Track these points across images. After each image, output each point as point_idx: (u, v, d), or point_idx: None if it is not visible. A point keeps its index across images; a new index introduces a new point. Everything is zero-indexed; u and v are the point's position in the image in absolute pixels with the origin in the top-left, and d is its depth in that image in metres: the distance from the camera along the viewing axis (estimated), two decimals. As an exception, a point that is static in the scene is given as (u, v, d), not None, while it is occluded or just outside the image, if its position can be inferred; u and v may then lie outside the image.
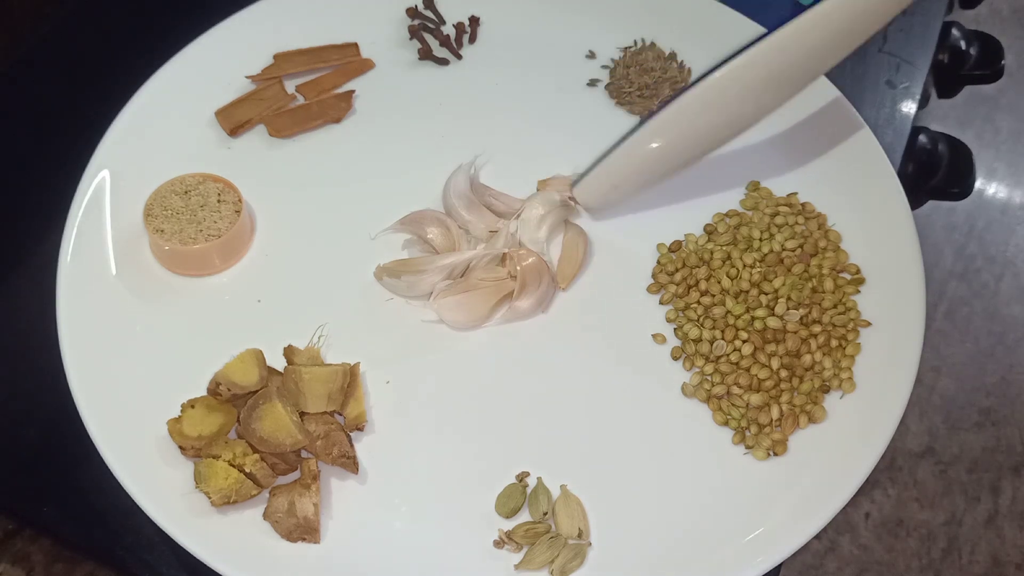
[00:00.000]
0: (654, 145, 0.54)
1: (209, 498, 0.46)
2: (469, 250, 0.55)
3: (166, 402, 0.49)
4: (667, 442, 0.51)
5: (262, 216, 0.58)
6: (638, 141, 0.54)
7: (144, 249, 0.55)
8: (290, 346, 0.51)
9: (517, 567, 0.46)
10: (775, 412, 0.51)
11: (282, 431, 0.46)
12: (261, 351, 0.50)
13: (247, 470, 0.46)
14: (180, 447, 0.48)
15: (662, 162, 0.55)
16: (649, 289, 0.56)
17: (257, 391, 0.48)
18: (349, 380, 0.50)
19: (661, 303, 0.56)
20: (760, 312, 0.54)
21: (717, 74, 0.52)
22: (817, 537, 0.48)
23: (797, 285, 0.55)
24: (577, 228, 0.57)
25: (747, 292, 0.55)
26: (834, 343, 0.53)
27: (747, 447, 0.50)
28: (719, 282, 0.55)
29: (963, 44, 0.77)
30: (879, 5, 0.51)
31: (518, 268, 0.54)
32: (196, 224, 0.54)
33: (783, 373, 0.52)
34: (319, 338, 0.52)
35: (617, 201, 0.57)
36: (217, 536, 0.46)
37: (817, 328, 0.53)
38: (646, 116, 0.54)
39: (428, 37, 0.67)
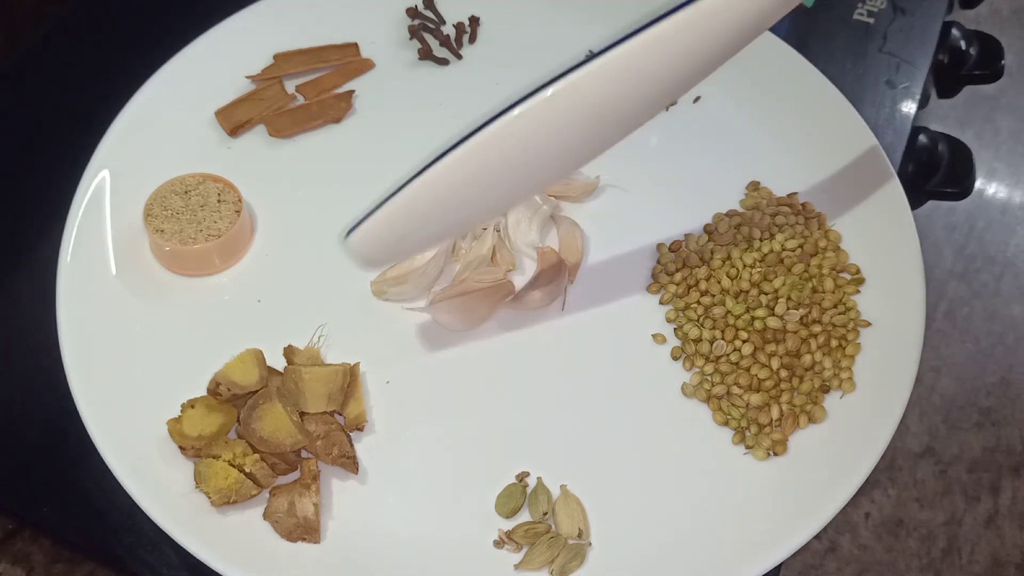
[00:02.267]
0: (450, 189, 0.42)
1: (209, 498, 0.46)
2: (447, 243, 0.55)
3: (166, 402, 0.49)
4: (667, 442, 0.51)
5: (262, 216, 0.58)
6: (432, 181, 0.42)
7: (144, 249, 0.55)
8: (290, 346, 0.51)
9: (517, 567, 0.46)
10: (775, 412, 0.51)
11: (282, 431, 0.46)
12: (261, 351, 0.50)
13: (247, 470, 0.46)
14: (180, 447, 0.48)
15: (469, 205, 0.44)
16: (649, 289, 0.56)
17: (257, 391, 0.48)
18: (349, 380, 0.50)
19: (661, 303, 0.56)
20: (760, 312, 0.54)
21: (531, 102, 0.42)
22: (817, 537, 0.48)
23: (797, 285, 0.55)
24: (569, 220, 0.58)
25: (747, 292, 0.55)
26: (834, 343, 0.53)
27: (747, 447, 0.50)
28: (719, 282, 0.55)
29: (963, 44, 0.77)
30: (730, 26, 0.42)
31: (537, 256, 0.55)
32: (196, 224, 0.54)
33: (783, 373, 0.52)
34: (319, 338, 0.52)
35: (402, 257, 0.46)
36: (217, 536, 0.46)
37: (817, 328, 0.53)
38: (438, 154, 0.42)
39: (428, 37, 0.67)
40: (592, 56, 0.41)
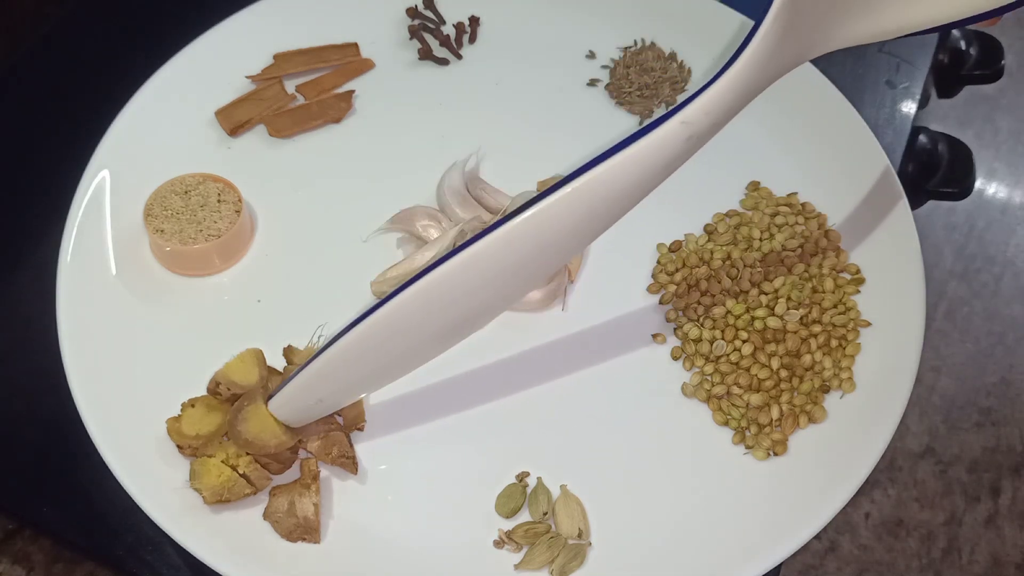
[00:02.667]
0: (367, 349, 0.43)
1: (202, 496, 0.46)
2: (439, 241, 0.54)
3: (166, 402, 0.49)
4: (667, 442, 0.51)
5: (262, 216, 0.58)
6: (353, 342, 0.43)
7: (144, 249, 0.55)
8: (290, 346, 0.51)
9: (517, 567, 0.46)
10: (775, 412, 0.51)
11: (266, 432, 0.46)
12: (261, 351, 0.50)
13: (240, 471, 0.46)
14: (178, 446, 0.48)
15: (382, 366, 0.45)
16: (649, 289, 0.56)
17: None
18: (349, 380, 0.50)
19: (661, 303, 0.56)
20: (760, 312, 0.54)
21: (432, 275, 0.42)
22: (817, 537, 0.48)
23: (797, 285, 0.55)
24: None
25: (747, 292, 0.55)
26: (834, 343, 0.53)
27: (747, 447, 0.50)
28: (719, 282, 0.55)
29: (963, 44, 0.77)
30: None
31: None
32: (196, 224, 0.54)
33: (783, 373, 0.52)
34: (319, 338, 0.52)
35: (325, 413, 0.47)
36: (217, 536, 0.46)
37: (817, 328, 0.53)
38: (351, 323, 0.43)
39: (428, 37, 0.67)
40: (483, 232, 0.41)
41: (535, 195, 0.41)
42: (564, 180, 0.40)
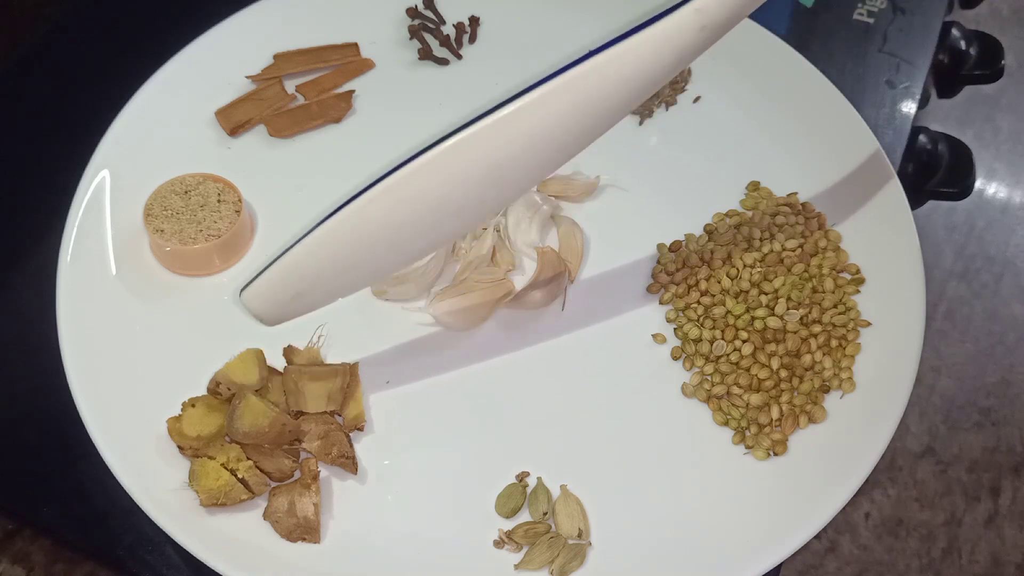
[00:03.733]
0: (356, 235, 0.41)
1: (198, 497, 0.46)
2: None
3: (166, 402, 0.49)
4: (667, 442, 0.51)
5: (262, 216, 0.58)
6: (331, 231, 0.41)
7: (144, 249, 0.55)
8: (290, 346, 0.51)
9: (517, 567, 0.46)
10: (775, 412, 0.51)
11: (259, 417, 0.46)
12: (261, 351, 0.50)
13: (240, 475, 0.46)
14: (179, 446, 0.48)
15: (368, 258, 0.42)
16: (649, 289, 0.56)
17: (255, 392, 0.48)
18: (348, 380, 0.50)
19: (661, 303, 0.56)
20: (760, 312, 0.54)
21: (427, 156, 0.41)
22: (817, 537, 0.48)
23: (797, 285, 0.55)
24: (569, 220, 0.58)
25: (747, 292, 0.55)
26: (834, 343, 0.53)
27: (747, 447, 0.50)
28: (719, 282, 0.55)
29: (963, 44, 0.77)
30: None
31: (537, 256, 0.55)
32: (196, 224, 0.54)
33: (783, 373, 0.52)
34: (319, 338, 0.52)
35: (301, 312, 0.44)
36: (217, 536, 0.46)
37: (817, 328, 0.53)
38: (334, 209, 0.41)
39: (428, 37, 0.67)
40: (495, 108, 0.40)
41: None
42: (568, 65, 0.38)
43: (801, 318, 0.54)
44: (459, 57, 0.66)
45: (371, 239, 0.41)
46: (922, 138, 0.70)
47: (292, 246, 0.42)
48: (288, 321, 0.45)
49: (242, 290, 0.44)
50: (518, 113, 0.39)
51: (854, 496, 0.48)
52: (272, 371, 0.50)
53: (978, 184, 0.93)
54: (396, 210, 0.41)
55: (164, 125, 0.61)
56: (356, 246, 0.41)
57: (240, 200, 0.55)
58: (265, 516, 0.46)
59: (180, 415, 0.48)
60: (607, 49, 0.38)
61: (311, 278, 0.42)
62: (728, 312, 0.54)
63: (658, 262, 0.57)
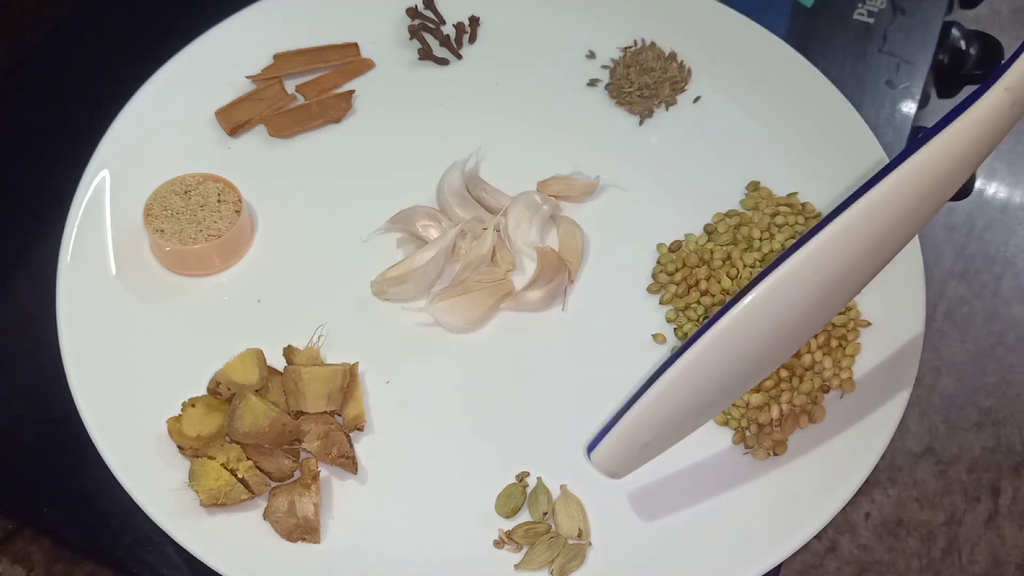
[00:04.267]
0: (698, 382, 0.41)
1: (198, 496, 0.46)
2: (439, 241, 0.54)
3: (166, 402, 0.49)
4: (667, 442, 0.51)
5: (262, 216, 0.58)
6: (674, 381, 0.41)
7: (144, 249, 0.55)
8: (290, 346, 0.51)
9: (517, 567, 0.46)
10: (775, 412, 0.51)
11: (260, 417, 0.46)
12: (261, 351, 0.50)
13: (240, 476, 0.46)
14: (179, 446, 0.48)
15: (710, 401, 0.43)
16: (649, 289, 0.56)
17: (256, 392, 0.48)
18: (348, 380, 0.50)
19: (661, 303, 0.56)
20: (760, 312, 0.54)
21: (768, 281, 0.41)
22: (817, 537, 0.48)
23: (797, 285, 0.54)
24: (569, 220, 0.58)
25: (747, 292, 0.55)
26: (834, 343, 0.53)
27: (747, 447, 0.50)
28: (719, 282, 0.55)
29: (963, 44, 0.77)
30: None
31: (537, 256, 0.55)
32: (196, 224, 0.54)
33: (783, 373, 0.52)
34: (319, 338, 0.52)
35: (648, 460, 0.45)
36: (217, 536, 0.46)
37: (817, 328, 0.53)
38: (678, 351, 0.41)
39: (428, 37, 0.67)
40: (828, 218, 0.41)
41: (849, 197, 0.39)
42: (891, 164, 0.40)
43: (801, 318, 0.54)
44: (459, 57, 0.66)
45: (715, 379, 0.42)
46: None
47: (635, 399, 0.42)
48: (635, 470, 0.45)
49: (588, 451, 0.44)
50: (866, 213, 0.40)
51: (854, 496, 0.48)
52: (272, 371, 0.50)
53: (978, 184, 0.94)
54: (738, 345, 0.41)
55: (164, 125, 0.61)
56: (702, 389, 0.42)
57: (240, 200, 0.55)
58: (265, 516, 0.46)
59: (180, 415, 0.48)
60: (932, 139, 0.40)
61: (658, 427, 0.43)
62: (728, 312, 0.54)
63: (658, 262, 0.57)
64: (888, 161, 0.60)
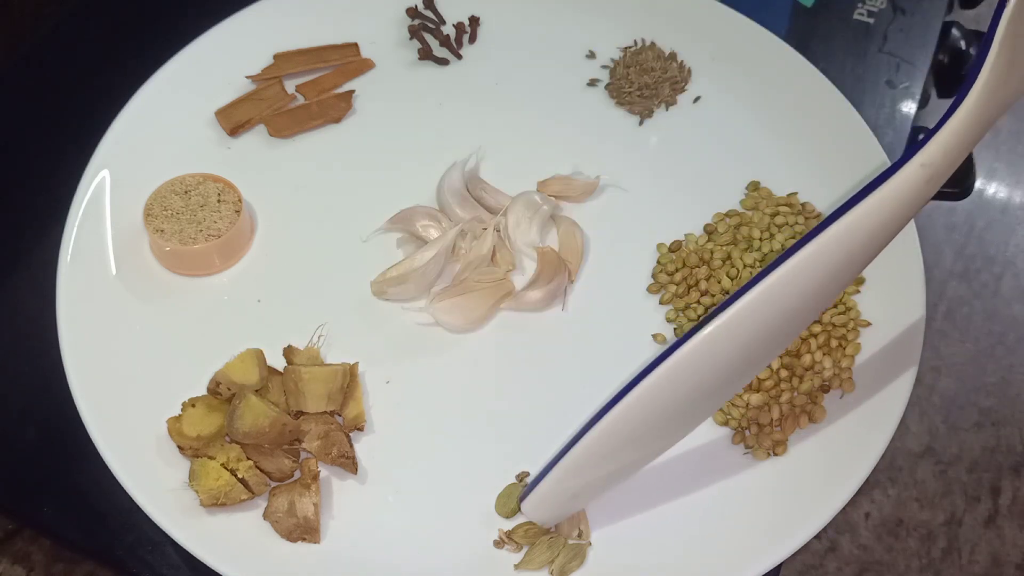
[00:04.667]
0: (620, 439, 0.42)
1: (198, 496, 0.46)
2: (439, 241, 0.54)
3: (166, 402, 0.49)
4: (667, 442, 0.51)
5: (262, 216, 0.58)
6: (598, 438, 0.42)
7: (144, 249, 0.55)
8: (290, 346, 0.51)
9: (517, 567, 0.46)
10: (775, 412, 0.51)
11: (260, 417, 0.46)
12: (261, 351, 0.50)
13: (240, 475, 0.46)
14: (179, 446, 0.48)
15: (639, 452, 0.44)
16: (649, 289, 0.56)
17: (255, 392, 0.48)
18: (348, 380, 0.50)
19: (661, 303, 0.56)
20: (760, 312, 0.54)
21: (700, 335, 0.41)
22: (817, 537, 0.48)
23: (797, 285, 0.54)
24: (569, 220, 0.58)
25: (747, 292, 0.55)
26: (834, 343, 0.53)
27: (747, 447, 0.50)
28: (719, 282, 0.55)
29: (963, 44, 0.77)
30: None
31: (537, 256, 0.55)
32: (196, 224, 0.54)
33: (783, 373, 0.52)
34: (319, 338, 0.52)
35: (577, 509, 0.47)
36: (217, 536, 0.46)
37: (817, 328, 0.53)
38: (605, 406, 0.42)
39: (428, 37, 0.67)
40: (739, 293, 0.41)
41: (770, 263, 0.40)
42: (804, 239, 0.40)
43: (801, 318, 0.54)
44: (459, 57, 0.66)
45: (649, 426, 0.42)
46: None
47: (564, 452, 0.43)
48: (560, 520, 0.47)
49: (521, 498, 0.46)
50: (771, 287, 0.40)
51: (854, 496, 0.48)
52: (272, 371, 0.50)
53: (978, 184, 0.94)
54: (672, 395, 0.41)
55: (164, 125, 0.61)
56: (624, 445, 0.43)
57: (240, 200, 0.55)
58: (265, 516, 0.46)
59: (180, 415, 0.48)
60: (845, 214, 0.40)
61: (585, 480, 0.44)
62: (728, 312, 0.54)
63: (658, 262, 0.57)
64: (888, 164, 0.60)
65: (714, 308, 0.41)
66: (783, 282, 0.40)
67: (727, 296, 0.54)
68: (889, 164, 0.60)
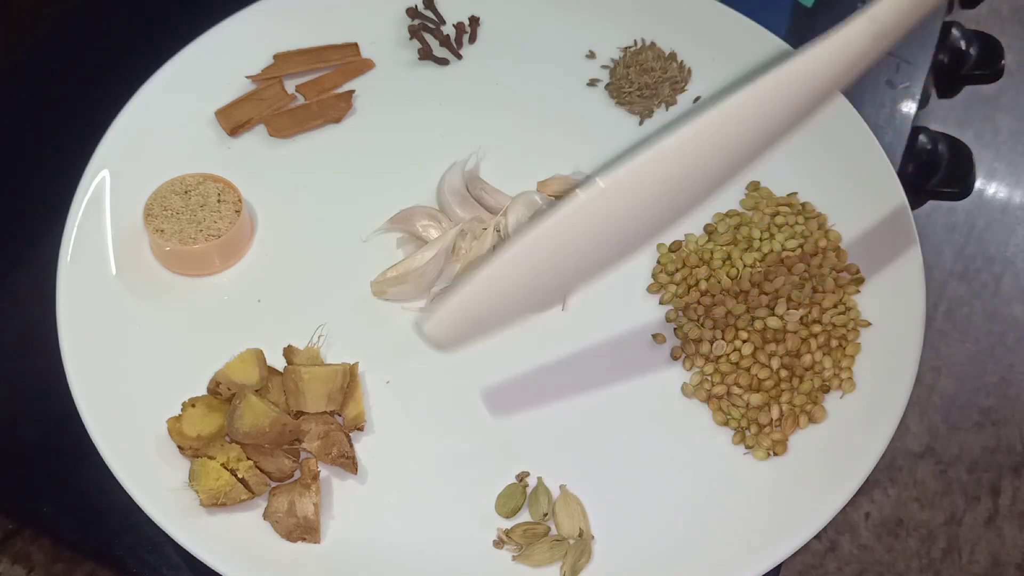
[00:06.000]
0: (533, 262, 0.43)
1: (198, 496, 0.46)
2: (439, 241, 0.54)
3: (166, 402, 0.49)
4: (667, 442, 0.51)
5: (262, 216, 0.58)
6: (503, 267, 0.43)
7: (144, 249, 0.55)
8: (290, 346, 0.51)
9: (515, 559, 0.46)
10: (775, 412, 0.51)
11: (260, 417, 0.46)
12: (261, 351, 0.50)
13: (240, 475, 0.46)
14: (179, 446, 0.48)
15: (535, 291, 0.44)
16: (649, 289, 0.56)
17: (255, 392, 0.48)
18: (348, 380, 0.50)
19: (661, 303, 0.56)
20: (760, 312, 0.54)
21: (607, 180, 0.42)
22: (817, 537, 0.48)
23: (797, 285, 0.55)
24: None
25: (747, 292, 0.55)
26: (834, 343, 0.53)
27: (747, 447, 0.50)
28: (719, 282, 0.55)
29: (963, 44, 0.77)
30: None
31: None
32: (196, 224, 0.54)
33: (783, 373, 0.52)
34: (319, 338, 0.52)
35: (480, 336, 0.46)
36: (217, 536, 0.46)
37: (817, 328, 0.53)
38: (521, 231, 0.42)
39: (428, 37, 0.67)
40: (650, 141, 0.41)
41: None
42: (755, 80, 0.40)
43: (801, 318, 0.54)
44: (459, 57, 0.66)
45: (546, 266, 0.43)
46: (922, 138, 0.70)
47: (473, 276, 0.43)
48: (461, 346, 0.47)
49: (424, 323, 0.46)
50: (708, 123, 0.40)
51: (854, 496, 0.48)
52: (272, 371, 0.50)
53: (978, 184, 0.94)
54: (566, 240, 0.42)
55: (164, 125, 0.61)
56: (534, 273, 0.43)
57: (240, 200, 0.55)
58: (265, 516, 0.46)
59: (180, 415, 0.48)
60: (791, 61, 0.40)
61: (488, 306, 0.44)
62: (728, 312, 0.54)
63: (658, 262, 0.57)
64: (887, 164, 0.60)
65: (632, 152, 0.41)
66: (725, 120, 0.40)
67: (727, 296, 0.55)
68: (889, 164, 0.60)
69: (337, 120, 0.62)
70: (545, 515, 0.48)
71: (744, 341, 0.53)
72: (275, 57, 0.64)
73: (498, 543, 0.47)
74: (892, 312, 0.54)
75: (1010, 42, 0.91)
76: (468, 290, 0.43)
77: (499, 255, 0.42)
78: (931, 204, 0.74)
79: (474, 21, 0.67)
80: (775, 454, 0.50)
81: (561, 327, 0.54)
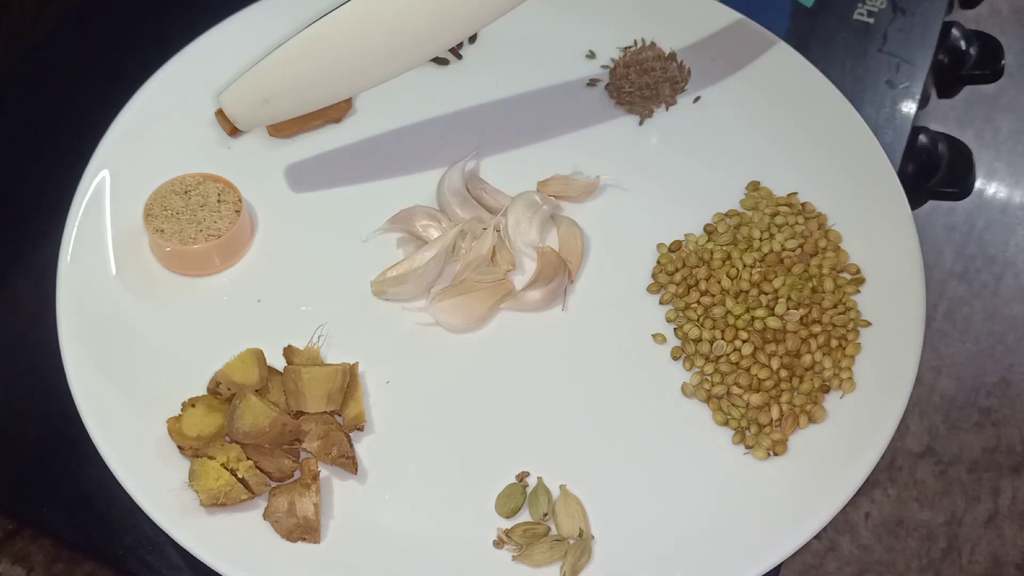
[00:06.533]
0: (319, 52, 0.47)
1: (198, 497, 0.46)
2: (439, 241, 0.55)
3: (166, 402, 0.49)
4: (667, 442, 0.51)
5: (262, 216, 0.58)
6: (298, 45, 0.48)
7: (144, 249, 0.55)
8: (290, 346, 0.51)
9: (515, 559, 0.46)
10: (775, 412, 0.51)
11: (260, 417, 0.46)
12: (261, 351, 0.50)
13: (240, 475, 0.46)
14: (179, 446, 0.48)
15: (329, 75, 0.49)
16: (649, 289, 0.56)
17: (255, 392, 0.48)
18: (348, 380, 0.50)
19: (661, 303, 0.56)
20: (760, 312, 0.54)
21: None
22: (817, 537, 0.48)
23: (797, 285, 0.55)
24: (569, 220, 0.58)
25: (747, 292, 0.55)
26: (834, 343, 0.53)
27: (747, 447, 0.50)
28: (719, 282, 0.55)
29: (963, 44, 0.77)
30: None
31: (538, 256, 0.55)
32: (196, 224, 0.54)
33: (783, 373, 0.52)
34: (319, 338, 0.52)
35: (270, 119, 0.50)
36: (217, 536, 0.46)
37: (817, 328, 0.53)
38: (303, 28, 0.48)
39: (428, 37, 0.66)
40: None
41: None
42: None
43: (801, 318, 0.54)
44: (459, 57, 0.66)
45: (334, 57, 0.48)
46: (922, 138, 0.70)
47: (265, 57, 0.49)
48: (258, 126, 0.51)
49: (220, 94, 0.51)
50: None
51: (854, 496, 0.48)
52: (272, 371, 0.50)
53: (978, 184, 0.94)
54: (355, 34, 0.48)
55: (164, 125, 0.61)
56: (320, 63, 0.48)
57: (240, 200, 0.55)
58: (265, 516, 0.46)
59: (180, 415, 0.48)
60: None
61: (277, 88, 0.49)
62: (728, 312, 0.54)
63: (658, 262, 0.57)
64: (887, 164, 0.60)
65: None
66: None
67: (727, 296, 0.55)
68: (889, 164, 0.60)
69: (337, 120, 0.62)
70: (545, 515, 0.48)
71: (744, 341, 0.53)
72: (275, 57, 0.64)
73: (498, 543, 0.47)
74: (892, 312, 0.54)
75: (1010, 42, 0.91)
76: (259, 68, 0.48)
77: (288, 41, 0.47)
78: (931, 204, 0.74)
79: (474, 21, 0.67)
80: (775, 454, 0.50)
81: (561, 327, 0.54)
